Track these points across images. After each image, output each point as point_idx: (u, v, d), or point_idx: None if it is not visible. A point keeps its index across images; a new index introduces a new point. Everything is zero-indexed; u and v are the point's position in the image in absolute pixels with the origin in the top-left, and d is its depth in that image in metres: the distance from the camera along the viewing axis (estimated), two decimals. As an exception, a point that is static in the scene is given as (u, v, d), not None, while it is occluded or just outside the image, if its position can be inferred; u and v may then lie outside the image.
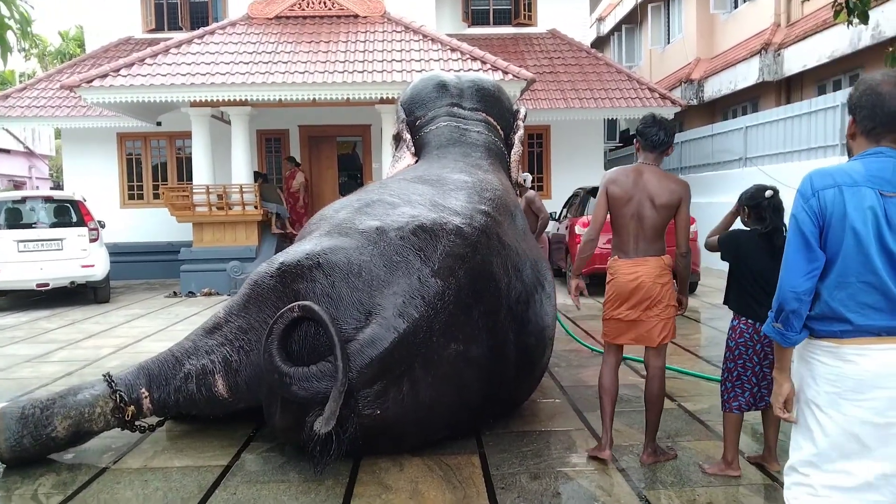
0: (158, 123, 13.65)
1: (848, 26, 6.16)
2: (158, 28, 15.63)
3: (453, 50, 12.01)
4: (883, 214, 2.02)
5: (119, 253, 12.92)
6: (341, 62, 11.68)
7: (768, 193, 3.54)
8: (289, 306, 3.55)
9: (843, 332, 2.06)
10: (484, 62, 11.57)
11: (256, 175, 13.10)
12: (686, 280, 4.00)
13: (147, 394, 3.92)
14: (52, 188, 24.42)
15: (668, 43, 20.43)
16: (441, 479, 3.62)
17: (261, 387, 3.79)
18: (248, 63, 11.56)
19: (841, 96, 10.48)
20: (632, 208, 3.72)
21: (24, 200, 10.89)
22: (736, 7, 17.06)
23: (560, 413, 4.72)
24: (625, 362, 6.19)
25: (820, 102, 11.24)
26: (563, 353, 6.49)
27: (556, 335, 4.94)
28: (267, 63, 11.59)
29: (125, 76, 11.15)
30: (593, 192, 10.88)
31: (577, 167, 14.75)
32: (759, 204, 3.57)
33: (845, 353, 2.06)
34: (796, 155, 11.60)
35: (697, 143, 15.34)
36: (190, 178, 13.06)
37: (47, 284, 10.23)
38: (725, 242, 3.71)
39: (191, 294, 11.57)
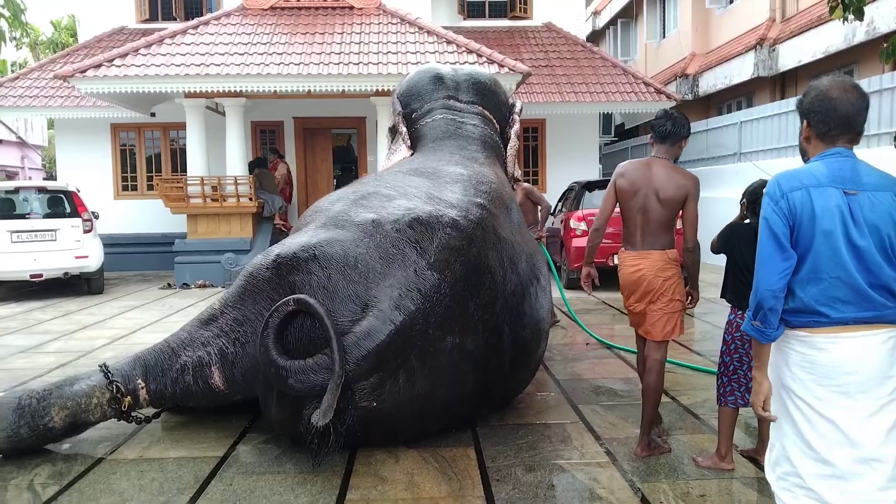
0: (152, 114, 13.60)
1: (843, 22, 6.17)
2: (152, 18, 15.54)
3: (449, 42, 11.98)
4: (848, 212, 2.14)
5: (113, 244, 12.88)
6: (336, 54, 11.64)
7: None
8: (284, 300, 3.55)
9: (815, 322, 2.18)
10: (480, 55, 11.56)
11: (253, 164, 13.09)
12: (695, 274, 3.97)
13: (143, 385, 3.93)
14: (45, 179, 24.28)
15: (664, 37, 20.44)
16: (436, 470, 3.64)
17: (257, 379, 3.80)
18: (242, 54, 11.52)
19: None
20: (638, 201, 3.75)
21: (17, 191, 10.83)
22: (731, 2, 17.07)
23: (555, 406, 4.75)
24: (611, 350, 6.24)
25: (814, 98, 11.26)
26: (559, 346, 6.52)
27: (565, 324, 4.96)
28: (262, 54, 11.54)
29: (119, 66, 11.08)
30: (588, 186, 10.90)
31: (572, 161, 14.76)
32: (759, 199, 3.59)
33: (818, 341, 2.18)
34: (791, 150, 11.63)
35: (692, 138, 15.25)
36: (184, 170, 13.01)
37: (41, 275, 10.20)
38: (723, 236, 3.72)
39: (185, 286, 11.55)
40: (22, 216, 10.40)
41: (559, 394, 5.03)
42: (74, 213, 10.55)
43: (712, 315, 7.79)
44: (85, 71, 10.96)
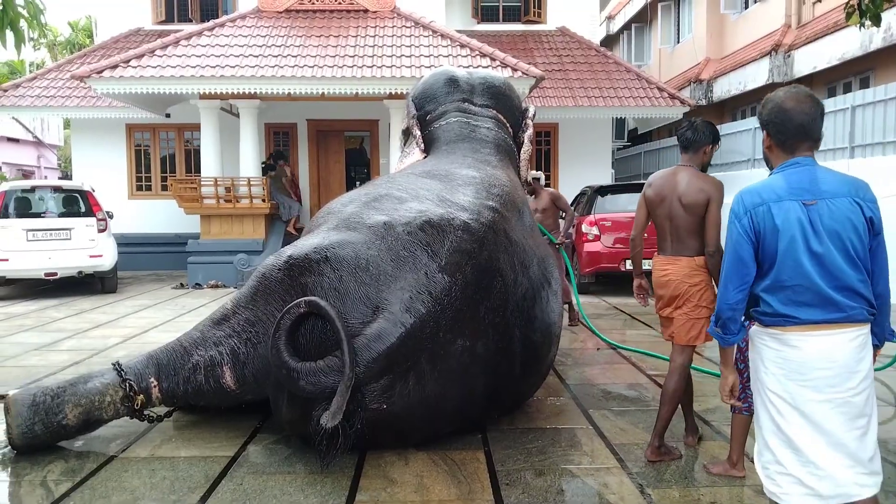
0: (167, 115, 13.70)
1: (860, 28, 6.13)
2: (168, 20, 15.66)
3: (462, 46, 12.01)
4: (808, 222, 2.29)
5: (127, 244, 12.98)
6: (350, 56, 11.69)
7: None
8: (295, 302, 3.57)
9: (786, 321, 2.34)
10: (493, 59, 11.57)
11: (274, 159, 13.17)
12: (717, 279, 4.01)
13: (156, 383, 3.96)
14: (60, 178, 24.50)
15: (678, 42, 20.36)
16: (446, 473, 3.64)
17: (268, 379, 3.81)
18: (257, 56, 11.59)
19: (851, 99, 10.43)
20: (664, 208, 3.85)
21: (33, 190, 10.95)
22: (746, 7, 16.98)
23: (565, 411, 4.74)
24: (616, 350, 6.22)
25: (830, 105, 11.20)
26: (569, 350, 6.50)
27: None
28: (276, 56, 11.61)
29: (135, 67, 11.18)
30: (601, 190, 10.88)
31: (584, 166, 14.73)
32: None
33: (789, 339, 2.34)
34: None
35: (705, 144, 15.27)
36: (198, 171, 13.10)
37: (55, 274, 10.29)
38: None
39: (198, 286, 11.62)
40: (37, 215, 10.52)
41: (569, 398, 5.02)
42: (89, 213, 10.65)
43: (724, 321, 7.72)
44: (101, 71, 11.07)
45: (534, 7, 16.23)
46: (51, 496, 3.42)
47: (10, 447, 3.93)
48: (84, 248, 10.43)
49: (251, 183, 11.91)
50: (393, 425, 3.70)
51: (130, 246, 13.37)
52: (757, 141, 13.14)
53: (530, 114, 5.83)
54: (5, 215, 10.27)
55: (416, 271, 3.70)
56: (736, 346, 2.70)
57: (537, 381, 4.67)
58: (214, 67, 11.24)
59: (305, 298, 3.57)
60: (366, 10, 13.35)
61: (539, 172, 8.08)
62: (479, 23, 16.18)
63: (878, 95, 9.86)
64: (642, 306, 4.19)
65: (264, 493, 3.43)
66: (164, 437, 4.25)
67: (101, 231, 10.63)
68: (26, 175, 25.66)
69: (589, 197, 10.95)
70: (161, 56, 11.49)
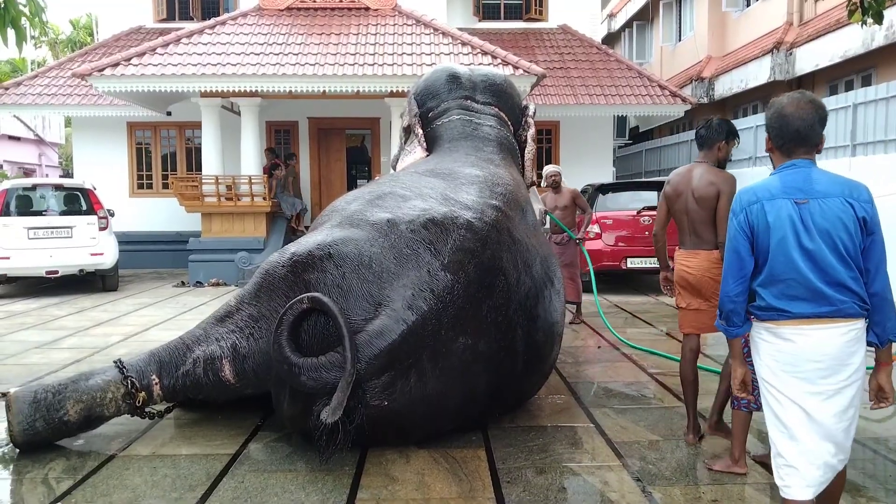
0: (168, 113, 13.70)
1: (862, 26, 6.12)
2: (169, 18, 15.66)
3: (464, 44, 11.99)
4: (799, 220, 2.41)
5: (128, 242, 12.98)
6: (352, 55, 11.68)
7: None
8: (298, 297, 3.57)
9: (780, 316, 2.45)
10: (494, 57, 11.56)
11: (286, 157, 13.35)
12: None
13: (157, 380, 3.97)
14: (61, 176, 24.52)
15: (679, 40, 20.33)
16: (447, 471, 3.64)
17: (268, 374, 3.81)
18: (258, 54, 11.58)
19: (853, 97, 10.41)
20: (681, 204, 3.98)
21: (34, 188, 10.95)
22: (748, 5, 16.96)
23: (566, 409, 4.74)
24: (609, 345, 6.22)
25: (832, 102, 11.18)
26: (571, 349, 6.50)
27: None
28: (277, 54, 11.60)
29: (136, 65, 11.18)
30: (602, 188, 10.87)
31: (586, 164, 14.72)
32: None
33: (783, 332, 2.46)
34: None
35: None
36: (199, 169, 13.10)
37: (57, 272, 10.30)
38: None
39: (199, 284, 11.62)
40: (39, 213, 10.53)
41: (570, 396, 5.02)
42: (90, 211, 10.65)
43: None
44: (103, 70, 11.07)
45: (535, 5, 16.22)
46: (52, 494, 3.43)
47: (11, 445, 3.93)
48: (85, 246, 10.43)
49: (252, 181, 11.91)
50: (394, 422, 3.70)
51: (131, 244, 13.38)
52: (758, 139, 13.13)
53: (530, 112, 5.82)
54: (6, 213, 10.27)
55: (419, 269, 3.71)
56: (743, 340, 2.73)
57: (540, 380, 4.67)
58: (216, 65, 11.24)
59: (308, 294, 3.57)
60: (367, 8, 13.34)
61: (558, 167, 8.17)
62: (480, 21, 16.17)
63: (879, 93, 9.84)
64: (670, 297, 4.30)
65: (265, 490, 3.44)
66: (166, 436, 4.25)
67: (102, 229, 10.64)
68: (27, 173, 25.67)
69: (590, 195, 10.93)
70: (162, 54, 11.49)
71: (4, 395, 4.02)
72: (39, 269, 10.21)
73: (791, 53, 14.37)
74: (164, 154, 14.99)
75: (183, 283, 11.73)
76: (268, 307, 3.87)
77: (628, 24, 23.57)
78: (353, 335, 3.46)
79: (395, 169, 5.75)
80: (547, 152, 15.15)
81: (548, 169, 8.29)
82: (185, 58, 11.41)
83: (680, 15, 20.30)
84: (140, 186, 14.91)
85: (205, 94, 11.72)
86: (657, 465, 3.71)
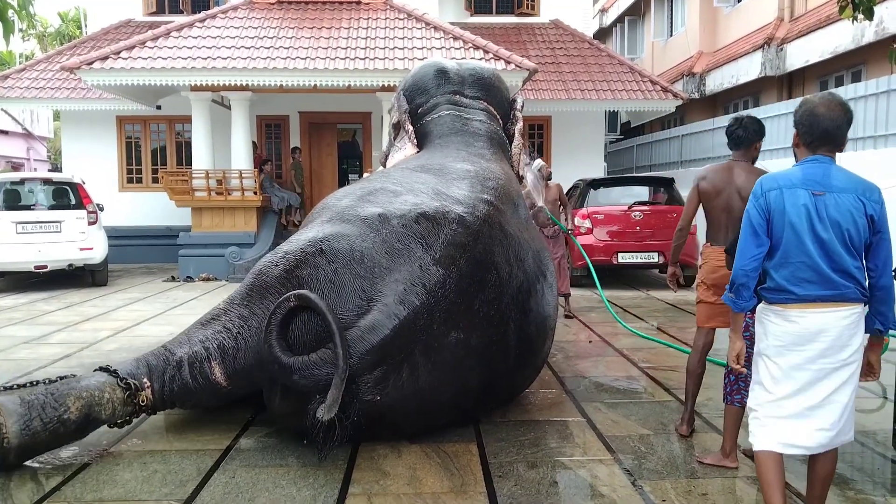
0: (158, 107, 13.61)
1: (852, 22, 6.15)
2: (159, 11, 15.55)
3: (456, 38, 11.96)
4: (814, 209, 2.59)
5: (117, 236, 12.89)
6: (343, 49, 11.64)
7: None
8: (285, 296, 3.56)
9: (787, 299, 2.64)
10: (486, 51, 11.53)
11: (292, 151, 13.54)
12: None
13: (149, 384, 3.89)
14: (50, 170, 24.33)
15: (671, 36, 20.37)
16: (439, 466, 3.65)
17: (261, 373, 3.79)
18: (249, 48, 11.52)
19: (843, 93, 10.46)
20: (721, 201, 3.97)
21: (22, 182, 10.86)
22: (739, 1, 17.00)
23: (558, 403, 4.75)
24: (638, 337, 6.24)
25: (822, 98, 11.23)
26: (562, 343, 6.51)
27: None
28: (268, 48, 11.54)
29: (126, 59, 11.10)
30: (593, 183, 10.89)
31: (577, 158, 14.73)
32: None
33: (790, 315, 2.65)
34: (797, 150, 11.59)
35: (698, 137, 15.33)
36: (189, 163, 13.03)
37: (45, 266, 10.22)
38: (733, 239, 3.77)
39: (189, 279, 11.57)
40: (27, 207, 10.43)
41: (562, 391, 5.03)
42: (79, 205, 10.57)
43: (716, 314, 7.76)
44: (91, 63, 10.97)
45: (527, 0, 16.20)
46: (41, 490, 3.40)
47: (2, 457, 3.51)
48: (74, 240, 10.35)
49: (243, 175, 11.85)
50: (386, 417, 3.69)
51: (121, 239, 13.29)
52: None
53: (518, 105, 5.80)
54: (-5, 208, 10.19)
55: (411, 264, 3.70)
56: (744, 320, 2.92)
57: (532, 374, 4.67)
58: (206, 59, 11.17)
59: (295, 292, 3.56)
60: (358, 2, 13.29)
61: (540, 161, 8.19)
62: (472, 15, 16.14)
63: (869, 89, 9.89)
64: (674, 292, 4.32)
65: (256, 485, 3.43)
66: (156, 431, 4.23)
67: (91, 224, 10.56)
68: (15, 167, 25.45)
69: (581, 190, 10.96)
70: (152, 47, 11.40)
71: None
72: (28, 264, 10.13)
73: (782, 49, 14.42)
74: (153, 148, 14.90)
75: (173, 278, 11.67)
76: (260, 306, 3.83)
77: (620, 20, 23.58)
78: (345, 331, 3.45)
79: (384, 166, 5.73)
80: (539, 147, 15.15)
81: (538, 163, 8.32)
82: (174, 51, 11.33)
83: (671, 10, 20.33)
84: (130, 181, 14.81)
85: (195, 88, 11.65)
86: (648, 459, 3.72)
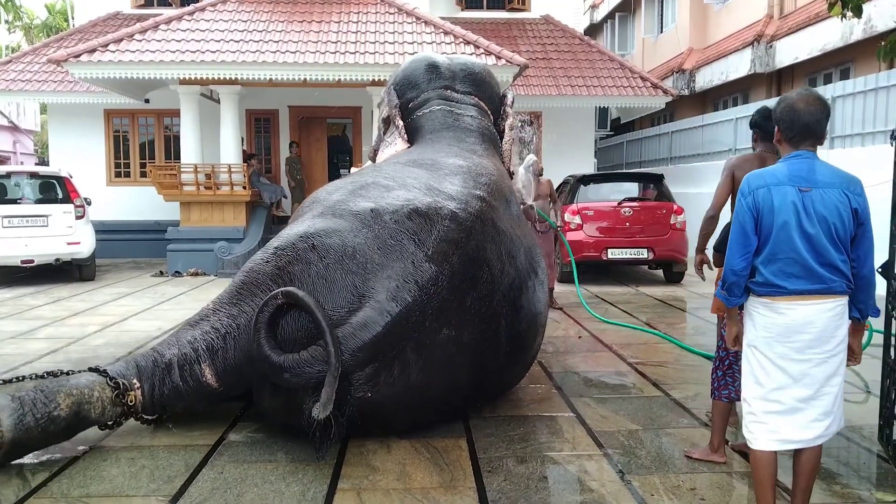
0: (146, 100, 13.50)
1: (842, 19, 6.17)
2: (148, 4, 15.43)
3: (446, 33, 11.93)
4: (801, 206, 2.63)
5: (105, 231, 12.81)
6: (333, 43, 11.58)
7: None
8: (272, 294, 3.54)
9: (775, 292, 2.68)
10: (477, 46, 11.51)
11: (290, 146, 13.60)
12: None
13: (139, 384, 3.84)
14: (37, 164, 24.09)
15: (661, 32, 20.41)
16: (428, 461, 3.64)
17: (251, 371, 3.76)
18: (238, 41, 11.44)
19: (832, 90, 10.52)
20: None
21: (8, 176, 10.73)
22: (729, -3, 17.05)
23: (547, 398, 4.76)
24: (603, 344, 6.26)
25: (810, 95, 11.29)
26: (552, 339, 6.52)
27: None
28: (258, 42, 11.47)
29: (113, 51, 10.99)
30: (584, 179, 10.90)
31: (567, 154, 14.75)
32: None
33: (778, 307, 2.69)
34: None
35: (688, 134, 15.38)
36: (178, 157, 12.94)
37: (32, 261, 10.14)
38: (720, 240, 3.79)
39: (177, 274, 11.51)
40: (13, 201, 10.33)
41: (551, 386, 5.04)
42: (67, 199, 10.48)
43: (705, 310, 7.81)
44: (79, 56, 10.87)
45: (518, -5, 16.19)
46: (27, 486, 3.38)
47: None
48: (61, 235, 10.27)
49: (232, 170, 11.79)
50: (378, 414, 3.68)
51: (109, 233, 13.19)
52: (738, 131, 13.24)
53: (509, 100, 5.79)
54: (-20, 202, 10.09)
55: (403, 260, 3.69)
56: (737, 310, 2.92)
57: (522, 371, 4.68)
58: (195, 52, 11.08)
59: (282, 289, 3.54)
60: (349, -4, 13.22)
61: (532, 157, 8.34)
62: (462, 10, 16.11)
63: (857, 87, 9.96)
64: (702, 280, 4.45)
65: (245, 481, 3.41)
66: (143, 427, 4.19)
67: (78, 218, 10.47)
68: (1, 161, 25.16)
69: (572, 186, 10.97)
70: (140, 40, 11.30)
71: None
72: (14, 259, 10.04)
73: (771, 46, 14.48)
74: (142, 142, 14.79)
75: (161, 273, 11.60)
76: (251, 304, 3.79)
77: (610, 16, 23.61)
78: (336, 327, 3.43)
79: (373, 161, 5.71)
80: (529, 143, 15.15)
81: (531, 158, 8.38)
82: (163, 44, 11.23)
83: (662, 7, 20.37)
84: (118, 175, 14.70)
85: (183, 82, 11.56)
86: (637, 455, 3.74)
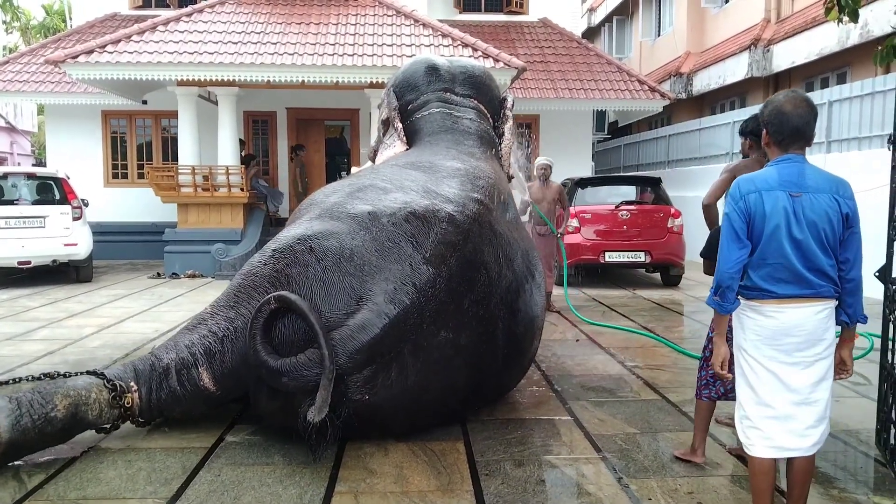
0: (144, 102, 13.50)
1: (838, 24, 6.18)
2: (145, 5, 15.43)
3: (444, 36, 11.95)
4: (792, 211, 2.62)
5: (102, 232, 12.78)
6: (331, 45, 11.58)
7: None
8: (265, 299, 3.54)
9: (764, 295, 2.68)
10: (475, 49, 11.53)
11: (295, 150, 13.61)
12: None
13: (136, 387, 3.84)
14: (34, 165, 24.05)
15: (659, 36, 20.46)
16: (426, 464, 3.64)
17: (248, 374, 3.75)
18: (236, 43, 11.44)
19: (828, 94, 10.55)
20: None
21: (6, 177, 10.70)
22: (727, 2, 17.10)
23: (545, 401, 4.76)
24: (602, 327, 6.27)
25: (807, 99, 11.31)
26: (550, 342, 6.52)
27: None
28: (256, 43, 11.47)
29: (111, 53, 10.98)
30: (581, 183, 10.91)
31: (565, 158, 14.72)
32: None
33: (766, 310, 2.69)
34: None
35: (685, 137, 15.42)
36: (175, 159, 12.93)
37: (29, 262, 10.11)
38: (707, 242, 3.80)
39: (174, 275, 11.49)
40: (10, 202, 10.30)
41: (549, 389, 5.04)
42: (64, 200, 10.46)
43: (701, 314, 7.83)
44: (76, 56, 10.85)
45: (516, -2, 16.23)
46: (24, 488, 3.36)
47: None
48: (58, 236, 10.25)
49: (229, 171, 11.78)
50: (375, 416, 3.68)
51: (106, 234, 13.17)
52: (735, 135, 13.26)
53: (508, 104, 5.79)
54: (-23, 203, 10.06)
55: (401, 262, 3.69)
56: (728, 323, 2.89)
57: (519, 374, 4.68)
58: (192, 54, 11.07)
59: (274, 294, 3.54)
60: (347, -2, 13.24)
61: (550, 160, 8.39)
62: (460, 13, 16.13)
63: (854, 91, 9.99)
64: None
65: (242, 484, 3.41)
66: (141, 429, 4.18)
67: (76, 219, 10.45)
68: (-2, 161, 25.14)
69: (569, 189, 10.95)
70: (138, 42, 11.29)
71: None
72: (11, 260, 10.01)
73: (768, 50, 14.52)
74: (139, 143, 14.77)
75: (158, 275, 11.58)
76: (247, 307, 3.79)
77: (608, 19, 23.65)
78: (334, 330, 3.44)
79: (372, 162, 5.71)
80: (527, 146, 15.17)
81: (540, 160, 8.41)
82: (161, 45, 11.22)
83: (659, 10, 20.42)
84: (115, 176, 14.68)
85: (181, 83, 11.55)
86: (634, 458, 3.74)
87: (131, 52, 11.02)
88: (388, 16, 12.67)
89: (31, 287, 10.21)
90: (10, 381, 3.76)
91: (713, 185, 4.18)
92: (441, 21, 13.30)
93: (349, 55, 11.30)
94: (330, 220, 3.96)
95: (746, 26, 15.79)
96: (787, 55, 13.93)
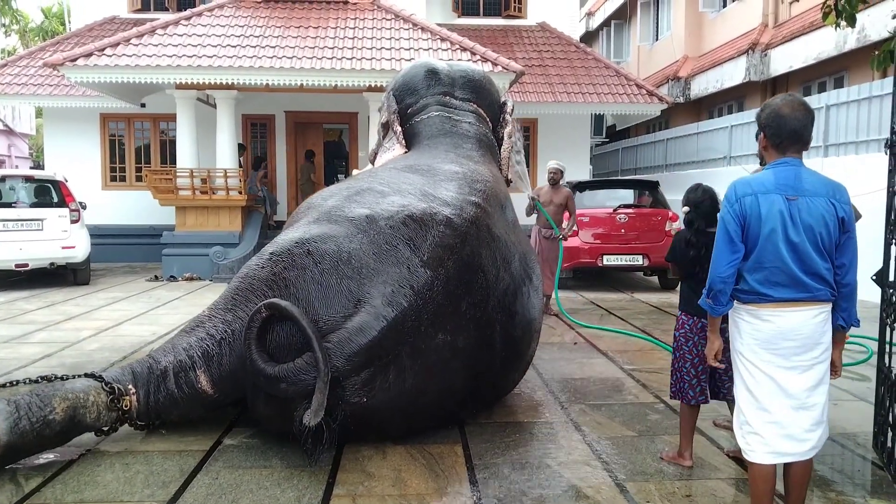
0: (142, 105, 13.50)
1: (835, 28, 6.21)
2: (144, 8, 15.44)
3: (443, 39, 11.97)
4: (788, 215, 2.62)
5: (100, 235, 12.77)
6: (330, 48, 11.60)
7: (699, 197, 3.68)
8: (257, 307, 3.54)
9: (761, 299, 2.68)
10: (473, 53, 11.55)
11: (308, 156, 13.82)
12: None
13: (134, 390, 3.83)
14: (32, 168, 24.03)
15: (657, 40, 20.51)
16: (424, 467, 3.64)
17: (246, 378, 3.75)
18: (235, 46, 11.45)
19: (826, 98, 10.58)
20: None
21: (3, 179, 10.70)
22: (725, 6, 17.15)
23: (543, 404, 4.76)
24: (598, 330, 6.27)
25: (805, 104, 11.34)
26: (547, 345, 6.53)
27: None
28: (254, 47, 11.48)
29: (110, 56, 10.99)
30: (579, 186, 10.93)
31: (563, 161, 14.62)
32: (700, 204, 3.67)
33: (762, 314, 2.69)
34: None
35: (683, 141, 15.45)
36: (173, 162, 12.92)
37: (27, 265, 10.10)
38: (673, 242, 3.85)
39: (172, 278, 11.48)
40: (8, 205, 10.29)
41: (547, 392, 5.04)
42: (62, 203, 10.45)
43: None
44: (75, 59, 10.86)
45: (514, 2, 16.26)
46: (21, 491, 3.36)
47: None
48: (56, 239, 10.24)
49: (227, 174, 11.78)
50: (373, 419, 3.68)
51: (104, 237, 13.16)
52: (733, 139, 13.30)
53: (508, 108, 5.81)
54: (-26, 205, 10.05)
55: (399, 265, 3.69)
56: (721, 319, 2.90)
57: (517, 376, 4.68)
58: (191, 57, 11.08)
59: (265, 302, 3.54)
60: (346, 2, 13.26)
61: (562, 164, 8.41)
62: (459, 17, 16.16)
63: (851, 95, 10.02)
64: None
65: (240, 487, 3.40)
66: (138, 432, 4.17)
67: (73, 222, 10.44)
68: (-4, 164, 25.13)
69: (567, 192, 10.97)
70: (137, 45, 11.30)
71: None
72: (9, 262, 10.00)
73: (766, 55, 14.57)
74: (137, 146, 14.77)
75: (156, 278, 11.57)
76: (245, 310, 3.78)
77: (606, 23, 23.72)
78: (329, 334, 3.44)
79: (373, 164, 5.72)
80: (525, 149, 15.18)
81: (551, 164, 8.44)
82: (160, 49, 11.24)
83: (657, 15, 20.47)
84: (113, 179, 14.67)
85: (180, 86, 11.56)
86: (632, 461, 3.74)
87: (130, 56, 11.03)
88: (387, 20, 12.69)
89: (29, 290, 10.19)
90: (8, 384, 3.75)
91: None
92: (439, 25, 13.32)
93: (347, 59, 11.32)
94: (328, 224, 3.96)
95: (744, 31, 15.83)
96: (785, 59, 13.98)
